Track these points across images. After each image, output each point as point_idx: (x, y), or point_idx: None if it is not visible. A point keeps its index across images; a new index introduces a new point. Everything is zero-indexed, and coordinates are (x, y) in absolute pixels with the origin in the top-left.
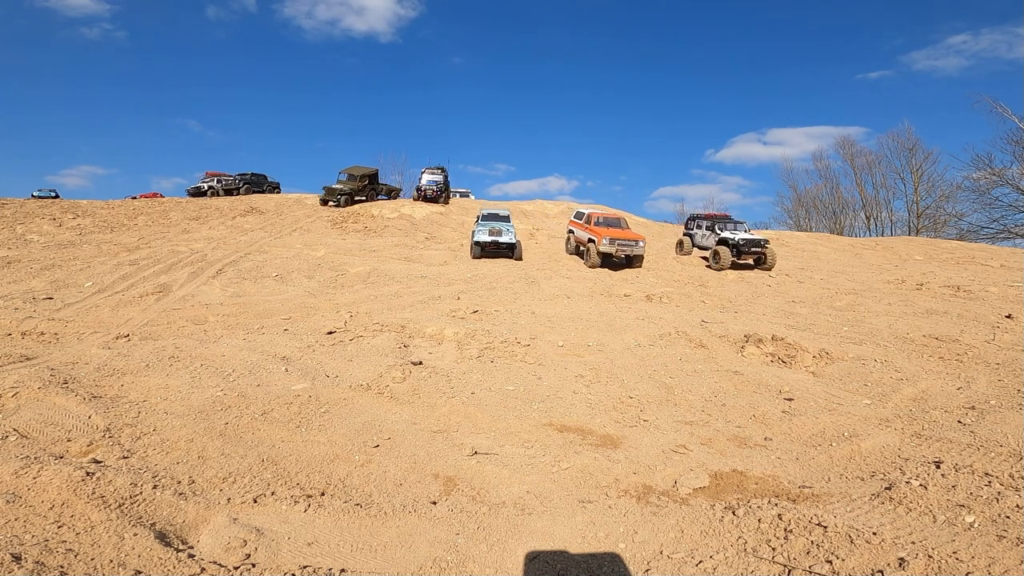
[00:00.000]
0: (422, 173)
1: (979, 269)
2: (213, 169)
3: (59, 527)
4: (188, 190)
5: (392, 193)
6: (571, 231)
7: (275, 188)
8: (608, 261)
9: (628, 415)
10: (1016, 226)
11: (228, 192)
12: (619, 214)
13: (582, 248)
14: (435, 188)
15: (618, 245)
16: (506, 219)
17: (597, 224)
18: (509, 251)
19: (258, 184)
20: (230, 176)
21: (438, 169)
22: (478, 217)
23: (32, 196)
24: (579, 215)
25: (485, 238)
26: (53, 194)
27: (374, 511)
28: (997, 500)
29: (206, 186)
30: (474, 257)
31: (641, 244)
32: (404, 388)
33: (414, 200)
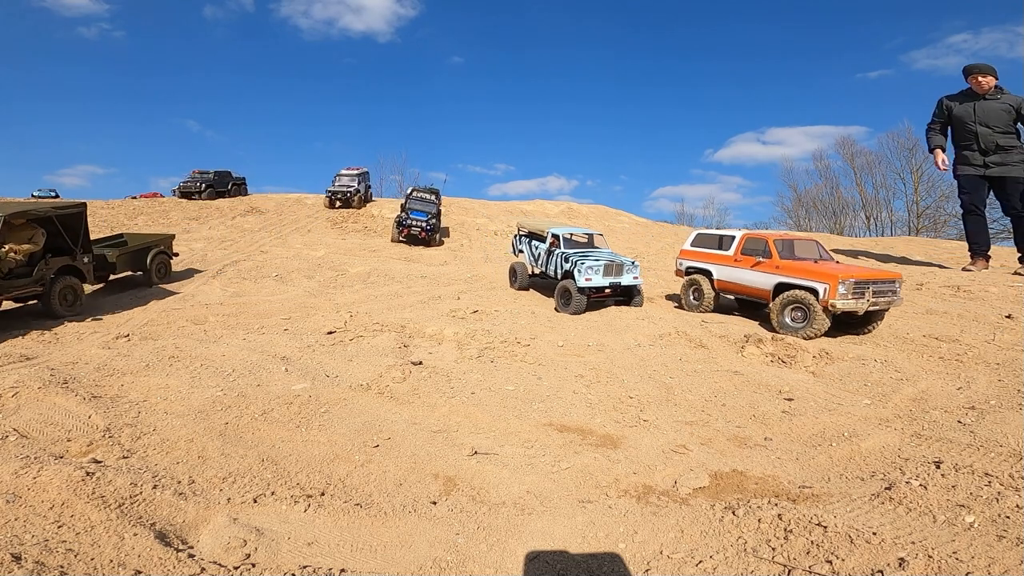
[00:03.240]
0: (407, 197)
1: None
2: (200, 167)
3: (59, 527)
4: (174, 190)
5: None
6: (700, 271)
7: (240, 186)
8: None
9: (628, 415)
10: (1004, 229)
11: (186, 195)
12: (801, 235)
13: (726, 296)
14: (425, 224)
15: (873, 292)
16: (590, 242)
17: (790, 254)
18: (626, 296)
19: (222, 183)
20: (209, 173)
21: (429, 192)
22: (530, 239)
23: (32, 196)
24: (719, 241)
25: (598, 280)
26: (53, 194)
27: (374, 511)
28: (997, 500)
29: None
30: (570, 310)
31: (898, 285)
32: (404, 388)
33: (393, 240)
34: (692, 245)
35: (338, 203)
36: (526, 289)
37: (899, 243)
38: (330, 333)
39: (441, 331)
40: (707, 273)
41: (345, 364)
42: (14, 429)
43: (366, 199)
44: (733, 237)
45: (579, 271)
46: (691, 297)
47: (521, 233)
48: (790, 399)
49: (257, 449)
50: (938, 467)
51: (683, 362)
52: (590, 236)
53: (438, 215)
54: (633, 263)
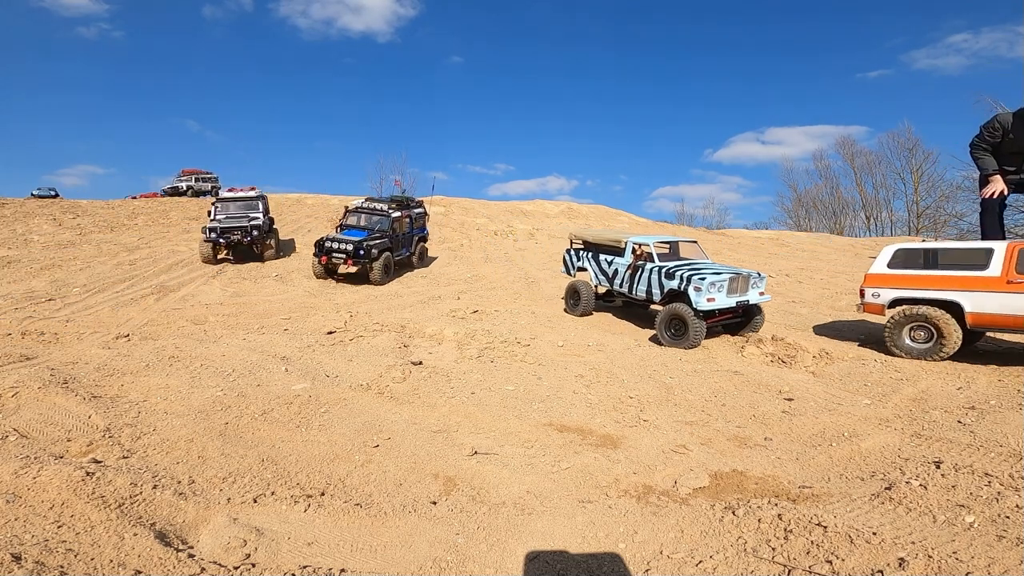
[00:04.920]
0: (345, 216)
1: None
2: (193, 167)
3: (59, 527)
4: (164, 189)
5: None
6: (933, 303)
7: (208, 191)
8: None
9: (628, 415)
10: (1016, 226)
11: (172, 195)
12: None
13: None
14: (353, 248)
15: None
16: (674, 251)
17: None
18: (744, 317)
19: (176, 192)
20: (210, 174)
21: (393, 204)
22: (595, 252)
23: (31, 195)
24: (965, 256)
25: (723, 300)
26: (53, 193)
27: (374, 511)
28: (997, 500)
29: (184, 185)
30: (686, 343)
31: None
32: (404, 388)
33: (317, 275)
34: (895, 267)
35: (224, 250)
36: (589, 314)
37: (899, 242)
38: (330, 333)
39: (441, 331)
40: (951, 305)
41: (345, 364)
42: (14, 429)
43: (269, 241)
44: (991, 250)
45: (697, 290)
46: (909, 340)
47: (576, 246)
48: (790, 399)
49: (257, 449)
50: (938, 467)
51: (683, 362)
52: (674, 244)
53: (412, 226)
54: (759, 275)
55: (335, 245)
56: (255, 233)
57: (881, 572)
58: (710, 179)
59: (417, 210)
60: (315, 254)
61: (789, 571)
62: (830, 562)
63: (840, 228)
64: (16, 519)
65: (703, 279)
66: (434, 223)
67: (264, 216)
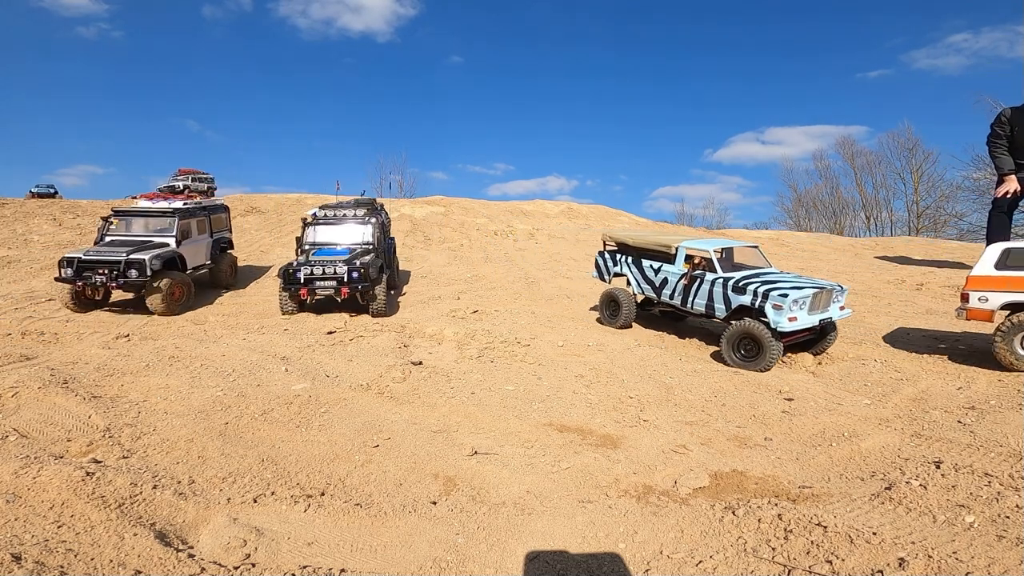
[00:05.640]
0: (305, 224)
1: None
2: (190, 167)
3: (59, 527)
4: (160, 188)
5: None
6: None
7: (203, 191)
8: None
9: (628, 415)
10: (1016, 226)
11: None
12: None
13: None
14: (348, 271)
15: None
16: (726, 257)
17: None
18: (816, 336)
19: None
20: (206, 175)
21: (354, 208)
22: (637, 258)
23: (30, 192)
24: None
25: (805, 319)
26: (52, 190)
27: (374, 511)
28: (997, 500)
29: (181, 185)
30: (760, 365)
31: None
32: (404, 388)
33: (284, 312)
34: (1005, 268)
35: (95, 293)
36: (629, 326)
37: (899, 243)
38: (330, 333)
39: (441, 331)
40: None
41: (345, 364)
42: (14, 429)
43: (225, 263)
44: None
45: (777, 308)
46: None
47: (609, 248)
48: (790, 399)
49: (257, 449)
50: (938, 467)
51: (683, 362)
52: (727, 249)
53: (382, 248)
54: (841, 288)
55: (317, 271)
56: (133, 275)
57: (881, 572)
58: (710, 179)
59: (385, 216)
60: (284, 287)
61: (789, 571)
62: (830, 562)
63: (840, 228)
64: (16, 519)
65: (784, 295)
66: (434, 223)
67: (179, 243)
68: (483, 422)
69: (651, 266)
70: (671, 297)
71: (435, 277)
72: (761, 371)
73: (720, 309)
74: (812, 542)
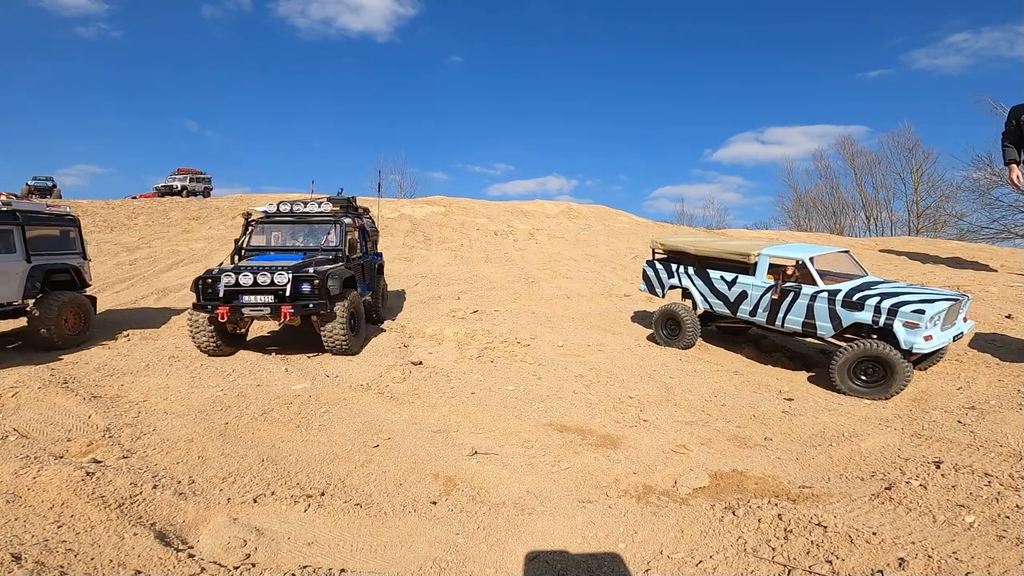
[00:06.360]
0: (251, 231)
1: (979, 269)
2: (191, 167)
3: (59, 527)
4: (158, 187)
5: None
6: None
7: (200, 192)
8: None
9: (628, 415)
10: (1016, 226)
11: (166, 194)
12: None
13: None
14: (299, 279)
15: None
16: (799, 265)
17: None
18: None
19: (171, 191)
20: (203, 174)
21: (335, 206)
22: (700, 268)
23: (27, 185)
24: None
25: (940, 337)
26: (50, 183)
27: (374, 511)
28: (997, 500)
29: (179, 184)
30: (891, 390)
31: None
32: (404, 388)
33: (202, 347)
34: None
35: None
36: (692, 346)
37: (899, 243)
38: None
39: (441, 331)
40: None
41: (345, 364)
42: (14, 429)
43: (55, 307)
44: None
45: (911, 327)
46: None
47: (659, 256)
48: (790, 399)
49: (257, 449)
50: (938, 467)
51: (683, 362)
52: (820, 258)
53: (365, 261)
54: (967, 298)
55: (246, 279)
56: None
57: (881, 572)
58: (710, 179)
59: (369, 221)
60: (199, 306)
61: (789, 571)
62: (830, 562)
63: (840, 228)
64: (16, 519)
65: (919, 312)
66: (434, 223)
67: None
68: (483, 422)
69: (722, 278)
70: (752, 314)
71: (435, 277)
72: (886, 397)
73: (825, 328)
74: (812, 542)
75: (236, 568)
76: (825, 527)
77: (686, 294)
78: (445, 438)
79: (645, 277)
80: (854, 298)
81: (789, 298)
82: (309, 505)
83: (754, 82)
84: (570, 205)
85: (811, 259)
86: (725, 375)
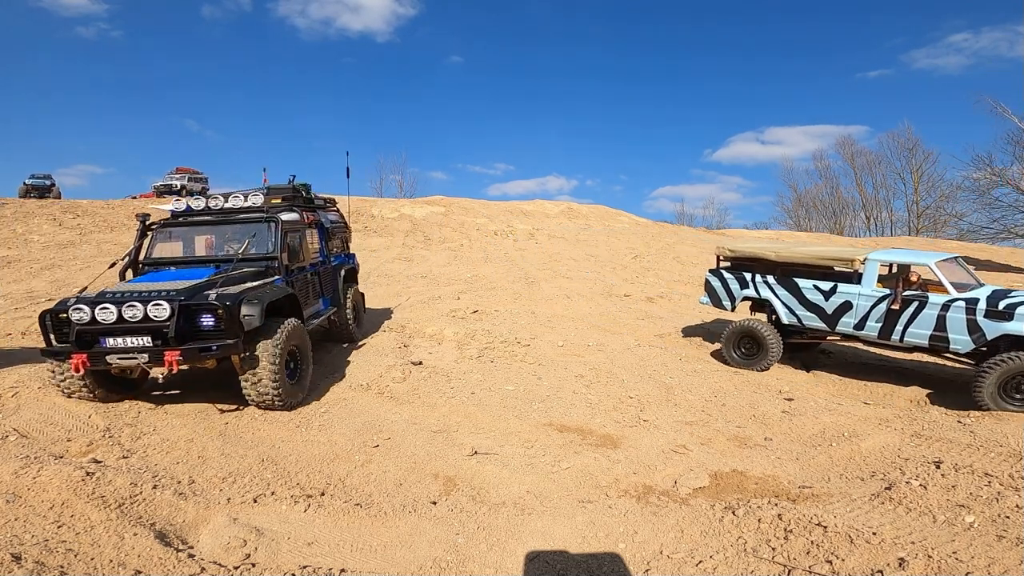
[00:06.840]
0: (149, 239)
1: (979, 269)
2: (188, 166)
3: (59, 527)
4: (156, 186)
5: None
6: None
7: (197, 192)
8: None
9: (628, 415)
10: (1016, 226)
11: (164, 194)
12: None
13: None
14: (189, 308)
15: None
16: (901, 271)
17: None
18: None
19: (169, 191)
20: (201, 175)
21: (276, 199)
22: (782, 276)
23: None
24: None
25: None
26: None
27: (374, 511)
28: (997, 500)
29: (177, 183)
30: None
31: None
32: (404, 388)
33: (69, 394)
34: None
35: None
36: (769, 368)
37: (899, 243)
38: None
39: (441, 331)
40: None
41: (345, 364)
42: (14, 429)
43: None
44: None
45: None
46: None
47: (725, 264)
48: (790, 399)
49: (257, 449)
50: (938, 467)
51: (683, 362)
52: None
53: (325, 271)
54: None
55: (109, 316)
56: None
57: (881, 572)
58: (710, 179)
59: (332, 215)
60: (48, 351)
61: (789, 571)
62: (830, 562)
63: (840, 228)
64: (16, 519)
65: None
66: (434, 223)
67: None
68: (483, 422)
69: (815, 287)
70: (858, 327)
71: (435, 277)
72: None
73: (962, 341)
74: (812, 542)
75: (236, 568)
76: (825, 527)
77: (757, 307)
78: (445, 438)
79: (708, 288)
80: (1000, 306)
81: (912, 308)
82: (309, 505)
83: (754, 82)
84: (570, 205)
85: (935, 264)
86: (725, 375)
